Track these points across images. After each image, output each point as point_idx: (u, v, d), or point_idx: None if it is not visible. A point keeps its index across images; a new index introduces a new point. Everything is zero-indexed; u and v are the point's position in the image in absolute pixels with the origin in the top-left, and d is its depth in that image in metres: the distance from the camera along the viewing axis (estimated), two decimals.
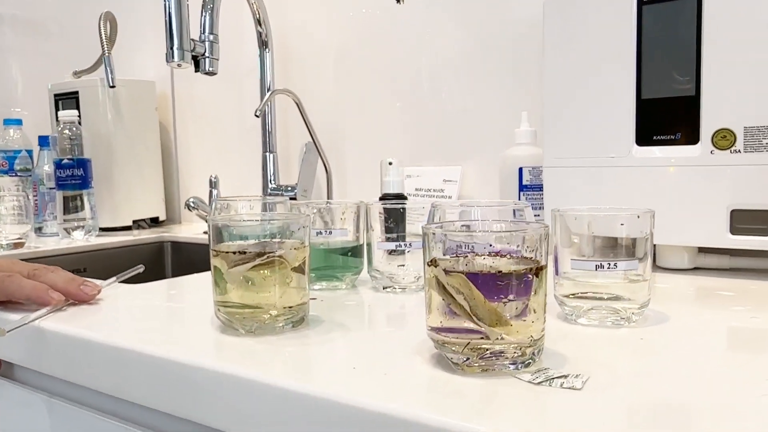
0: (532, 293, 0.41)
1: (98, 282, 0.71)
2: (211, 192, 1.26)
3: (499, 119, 0.98)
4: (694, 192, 0.70)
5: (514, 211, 0.57)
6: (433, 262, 0.41)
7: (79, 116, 1.25)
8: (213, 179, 1.25)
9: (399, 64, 1.09)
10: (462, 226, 0.49)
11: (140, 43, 1.44)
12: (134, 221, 1.34)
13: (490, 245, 0.43)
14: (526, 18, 0.95)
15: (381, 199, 0.89)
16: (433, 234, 0.43)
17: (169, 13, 0.90)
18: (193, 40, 0.92)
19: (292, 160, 1.22)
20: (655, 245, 0.76)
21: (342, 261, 0.69)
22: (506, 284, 0.40)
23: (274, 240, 0.53)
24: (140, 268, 0.80)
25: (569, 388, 0.37)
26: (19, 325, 0.55)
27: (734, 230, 0.69)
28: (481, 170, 1.01)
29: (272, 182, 1.17)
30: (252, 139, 1.26)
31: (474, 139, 1.02)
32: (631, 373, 0.41)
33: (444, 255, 0.42)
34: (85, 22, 1.55)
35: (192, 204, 1.23)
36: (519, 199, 0.87)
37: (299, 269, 0.52)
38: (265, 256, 0.50)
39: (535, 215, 0.86)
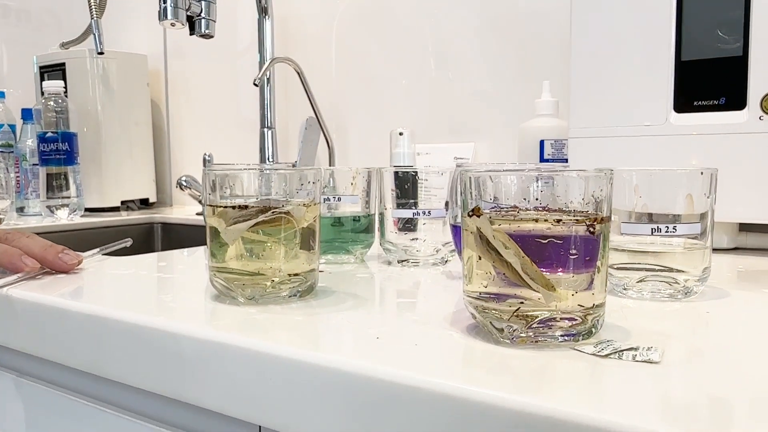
0: (599, 251, 0.34)
1: (80, 253, 0.64)
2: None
3: (514, 92, 0.92)
4: (740, 163, 0.63)
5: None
6: (476, 211, 0.35)
7: (66, 89, 1.18)
8: (207, 157, 1.18)
9: (406, 35, 1.02)
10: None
11: (132, 14, 1.37)
12: (123, 202, 1.27)
13: (537, 199, 0.36)
14: None
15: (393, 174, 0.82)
16: (476, 179, 0.36)
17: None
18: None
19: (292, 138, 1.15)
20: None
21: (351, 232, 0.62)
22: (565, 242, 0.34)
23: (282, 200, 0.46)
24: (128, 242, 0.73)
25: (644, 361, 0.31)
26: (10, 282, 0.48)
27: None
28: (495, 147, 0.94)
29: (270, 160, 1.10)
30: (249, 116, 1.19)
31: (487, 114, 0.95)
32: (710, 346, 0.34)
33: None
34: None
35: (184, 183, 1.16)
36: None
37: (309, 230, 0.45)
38: (270, 212, 0.43)
39: None
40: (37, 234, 0.97)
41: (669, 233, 0.44)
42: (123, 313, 0.41)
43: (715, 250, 0.68)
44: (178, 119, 1.36)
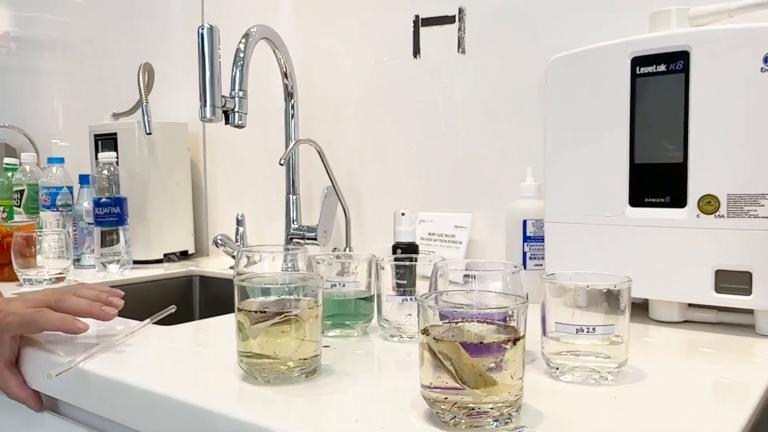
0: (511, 359, 0.47)
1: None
2: (237, 229, 1.33)
3: (509, 170, 1.04)
4: (681, 252, 0.75)
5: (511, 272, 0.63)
6: (425, 331, 0.48)
7: (117, 157, 1.34)
8: (239, 217, 1.33)
9: (416, 114, 1.16)
10: (456, 293, 0.55)
11: (174, 85, 1.53)
12: (165, 254, 1.42)
13: (479, 314, 0.50)
14: (538, 73, 1.01)
15: (394, 247, 0.96)
16: (429, 306, 0.49)
17: (203, 71, 0.99)
18: (224, 96, 1.00)
19: (314, 202, 1.29)
20: (647, 299, 0.82)
21: (354, 310, 0.75)
22: (488, 350, 0.46)
23: (291, 297, 0.60)
24: (172, 309, 0.87)
25: None
26: (64, 369, 0.62)
27: (718, 289, 0.74)
28: (491, 218, 1.07)
29: (295, 222, 1.24)
30: (277, 180, 1.33)
31: (485, 188, 1.08)
32: (598, 430, 0.47)
33: (438, 321, 0.49)
34: (121, 47, 1.65)
35: (219, 241, 1.31)
36: (523, 249, 0.92)
37: (313, 325, 0.58)
38: (283, 315, 0.56)
39: (536, 265, 0.92)
40: None
41: (590, 333, 0.56)
42: (169, 391, 0.55)
43: (667, 322, 0.80)
44: (215, 179, 1.51)
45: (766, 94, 0.70)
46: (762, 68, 0.70)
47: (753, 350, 0.69)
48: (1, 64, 2.13)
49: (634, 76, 0.78)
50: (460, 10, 1.10)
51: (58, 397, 0.69)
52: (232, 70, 1.05)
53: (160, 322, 0.82)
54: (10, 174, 1.56)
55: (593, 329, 0.56)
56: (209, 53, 0.98)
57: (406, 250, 0.93)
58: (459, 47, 1.11)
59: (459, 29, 1.11)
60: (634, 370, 0.60)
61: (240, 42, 1.07)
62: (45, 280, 1.13)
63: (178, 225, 1.46)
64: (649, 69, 0.77)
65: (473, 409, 0.46)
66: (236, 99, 1.01)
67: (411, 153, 1.17)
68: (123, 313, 0.79)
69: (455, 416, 0.46)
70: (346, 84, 1.25)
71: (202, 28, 0.99)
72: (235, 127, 1.02)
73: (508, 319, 0.48)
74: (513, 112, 1.05)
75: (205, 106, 0.97)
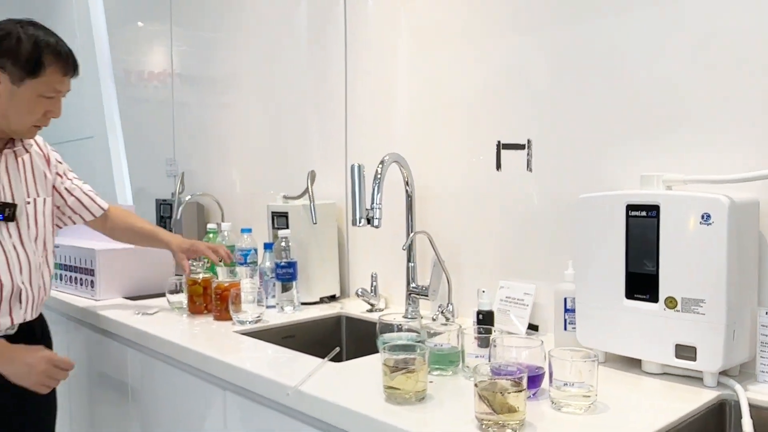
0: (520, 398, 0.95)
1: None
2: (372, 283, 1.87)
3: (559, 258, 1.49)
4: (658, 332, 1.19)
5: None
6: (476, 385, 0.97)
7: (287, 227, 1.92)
8: (373, 275, 1.87)
9: (498, 212, 1.64)
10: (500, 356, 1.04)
11: (328, 174, 2.09)
12: (320, 297, 1.99)
13: (506, 373, 0.99)
14: (576, 192, 1.46)
15: (477, 312, 1.45)
16: (479, 371, 0.98)
17: (353, 194, 1.53)
18: (367, 209, 1.53)
19: (427, 267, 1.80)
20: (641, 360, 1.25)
21: (448, 360, 1.25)
22: (509, 395, 0.95)
23: (412, 357, 1.11)
24: (337, 350, 1.41)
25: None
26: (297, 385, 1.17)
27: (678, 356, 1.17)
28: (547, 289, 1.53)
29: (412, 282, 1.75)
30: (399, 247, 1.84)
31: (544, 268, 1.54)
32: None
33: (485, 377, 0.98)
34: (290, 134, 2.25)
35: (360, 293, 1.85)
36: (564, 317, 1.38)
37: (423, 373, 1.09)
38: (406, 370, 1.08)
39: (572, 328, 1.37)
40: (276, 327, 1.68)
41: (576, 386, 1.03)
42: (352, 405, 1.08)
43: (650, 374, 1.23)
44: (354, 241, 2.06)
45: (702, 240, 1.13)
46: (700, 222, 1.13)
47: (699, 396, 1.12)
48: (200, 127, 2.81)
49: (628, 216, 1.23)
50: (528, 141, 1.57)
51: (292, 406, 1.23)
52: (373, 185, 1.58)
53: (321, 357, 1.36)
54: (211, 235, 2.19)
55: (576, 384, 1.03)
56: (358, 182, 1.52)
57: (486, 315, 1.43)
58: (528, 167, 1.58)
59: (527, 154, 1.58)
60: (602, 405, 1.06)
61: (378, 166, 1.60)
62: (249, 321, 1.71)
63: (328, 276, 2.02)
64: (637, 213, 1.21)
65: (501, 425, 0.95)
66: (375, 210, 1.54)
67: (493, 236, 1.65)
68: (300, 346, 1.33)
69: (490, 428, 0.95)
70: (448, 190, 1.75)
71: (354, 166, 1.53)
72: (374, 227, 1.55)
73: (521, 378, 0.97)
74: (563, 219, 1.50)
75: (355, 216, 1.51)
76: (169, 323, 1.75)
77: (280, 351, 1.45)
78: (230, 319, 1.73)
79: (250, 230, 2.06)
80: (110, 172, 3.35)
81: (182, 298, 1.88)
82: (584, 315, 1.31)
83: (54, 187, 1.71)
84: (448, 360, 1.25)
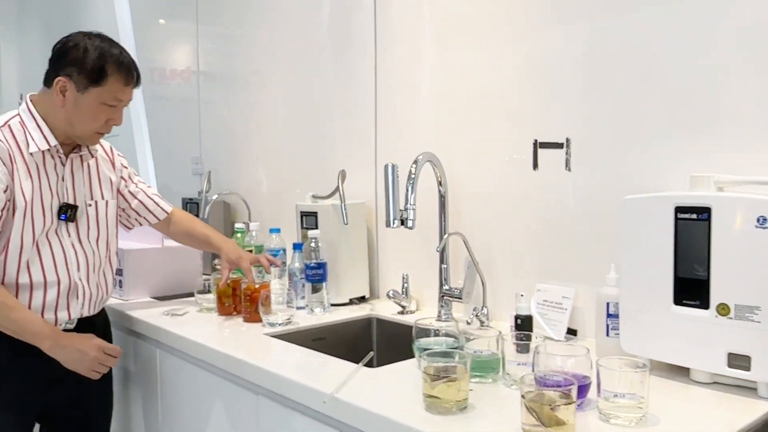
0: (570, 411, 0.91)
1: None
2: (403, 285, 1.84)
3: (599, 260, 1.44)
4: (709, 342, 1.14)
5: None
6: (523, 396, 0.93)
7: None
8: (404, 276, 1.83)
9: (533, 211, 1.59)
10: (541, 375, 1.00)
11: (356, 171, 2.06)
12: (350, 299, 1.96)
13: (554, 384, 0.94)
14: (619, 193, 1.41)
15: (516, 317, 1.41)
16: (525, 382, 0.94)
17: (387, 194, 1.49)
18: (401, 210, 1.50)
19: (460, 268, 1.76)
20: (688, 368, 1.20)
21: (488, 366, 1.21)
22: (556, 406, 0.91)
23: (453, 365, 1.07)
24: (371, 354, 1.38)
25: None
26: (333, 392, 1.14)
27: (730, 365, 1.12)
28: (586, 292, 1.48)
29: (445, 284, 1.71)
30: (430, 248, 1.80)
31: (584, 271, 1.49)
32: None
33: (532, 388, 0.94)
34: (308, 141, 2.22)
35: (391, 294, 1.82)
36: (606, 323, 1.34)
37: (464, 381, 1.06)
38: (448, 378, 1.04)
39: (615, 334, 1.32)
40: (306, 329, 1.66)
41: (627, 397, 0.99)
42: (390, 414, 1.04)
43: (699, 383, 1.18)
44: (384, 241, 2.03)
45: (758, 243, 1.07)
46: (756, 225, 1.08)
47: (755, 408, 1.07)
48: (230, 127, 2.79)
49: (676, 219, 1.18)
50: (567, 140, 1.53)
51: (329, 414, 1.20)
52: (407, 186, 1.54)
53: (352, 360, 1.32)
54: (239, 235, 2.17)
55: (626, 395, 0.99)
56: (392, 183, 1.49)
57: (524, 320, 1.38)
58: (566, 166, 1.53)
59: (566, 153, 1.53)
60: (651, 417, 1.01)
61: (412, 165, 1.56)
62: (279, 323, 1.69)
63: (357, 277, 1.98)
64: (686, 215, 1.16)
65: None
66: (409, 211, 1.50)
67: (530, 238, 1.60)
68: (331, 348, 1.30)
69: None
70: (482, 189, 1.71)
71: (387, 166, 1.50)
72: (408, 228, 1.51)
73: (570, 390, 0.92)
74: (603, 220, 1.45)
75: (389, 218, 1.48)
76: (199, 324, 1.73)
77: (312, 355, 1.42)
78: (260, 320, 1.70)
79: (278, 230, 2.03)
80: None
81: (211, 298, 1.86)
82: (629, 321, 1.26)
83: (118, 190, 1.78)
84: (488, 367, 1.21)
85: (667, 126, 1.35)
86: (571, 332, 1.51)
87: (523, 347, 1.20)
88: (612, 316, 1.33)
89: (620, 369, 1.01)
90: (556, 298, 1.53)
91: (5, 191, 1.50)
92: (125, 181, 1.81)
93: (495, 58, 1.67)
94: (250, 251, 2.08)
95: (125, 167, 1.83)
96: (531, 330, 1.40)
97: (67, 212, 1.60)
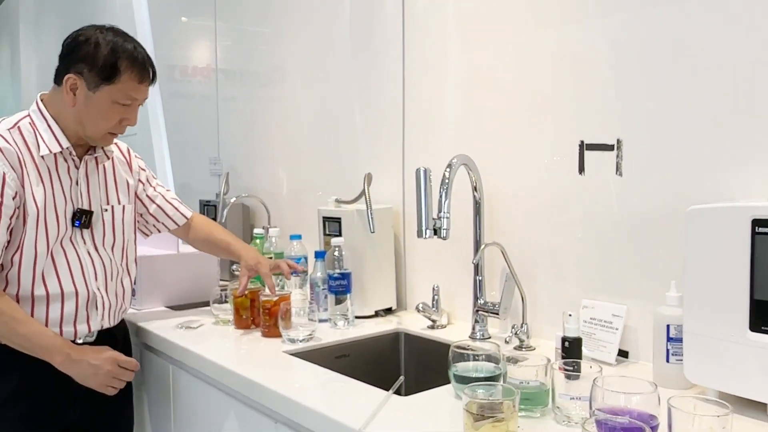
0: None
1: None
2: (433, 297, 1.70)
3: (656, 276, 1.30)
4: None
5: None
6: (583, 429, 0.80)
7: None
8: (435, 288, 1.69)
9: (579, 220, 1.45)
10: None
11: (382, 177, 1.92)
12: (376, 311, 1.82)
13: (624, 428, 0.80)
14: (683, 203, 1.26)
15: (563, 339, 1.26)
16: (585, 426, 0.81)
17: (419, 201, 1.36)
18: (434, 218, 1.36)
19: (496, 281, 1.62)
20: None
21: (537, 398, 1.07)
22: None
23: (500, 401, 0.93)
24: (401, 380, 1.24)
25: None
26: (362, 428, 1.01)
27: None
28: (641, 310, 1.33)
29: (480, 297, 1.58)
30: (467, 261, 1.67)
31: (638, 287, 1.34)
32: None
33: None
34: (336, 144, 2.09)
35: (421, 308, 1.68)
36: (666, 347, 1.19)
37: (513, 421, 0.92)
38: (494, 419, 0.90)
39: (677, 360, 1.18)
40: (329, 346, 1.53)
41: None
42: None
43: None
44: (413, 249, 1.89)
45: None
46: None
47: None
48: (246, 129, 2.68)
49: (754, 233, 1.03)
50: (618, 141, 1.38)
51: None
52: (440, 192, 1.40)
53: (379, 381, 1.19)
54: (258, 241, 2.05)
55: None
56: (425, 189, 1.35)
57: (572, 343, 1.24)
58: (617, 170, 1.38)
59: (617, 156, 1.38)
60: None
61: (445, 169, 1.42)
62: (299, 339, 1.56)
63: (384, 287, 1.85)
64: (766, 230, 1.01)
65: None
66: (443, 220, 1.36)
67: (575, 249, 1.46)
68: (355, 367, 1.17)
69: None
70: (520, 195, 1.57)
71: (420, 170, 1.36)
72: (441, 238, 1.38)
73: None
74: (661, 231, 1.30)
75: (421, 227, 1.34)
76: (214, 340, 1.62)
77: (337, 379, 1.29)
78: (279, 335, 1.58)
79: (299, 237, 1.91)
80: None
81: (228, 308, 1.75)
82: (694, 346, 1.11)
83: (136, 194, 1.69)
84: (536, 399, 1.07)
85: (739, 126, 1.20)
86: (622, 354, 1.36)
87: (574, 377, 1.06)
88: (673, 339, 1.19)
89: (696, 411, 0.87)
90: (605, 316, 1.38)
91: (14, 198, 1.40)
92: (143, 184, 1.71)
93: (531, 52, 1.53)
94: (270, 258, 1.96)
95: (143, 170, 1.73)
96: (580, 353, 1.25)
97: (82, 218, 1.50)
